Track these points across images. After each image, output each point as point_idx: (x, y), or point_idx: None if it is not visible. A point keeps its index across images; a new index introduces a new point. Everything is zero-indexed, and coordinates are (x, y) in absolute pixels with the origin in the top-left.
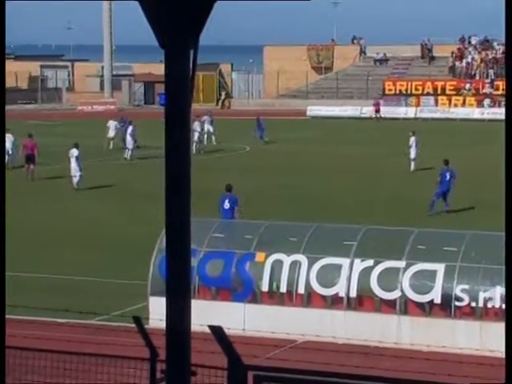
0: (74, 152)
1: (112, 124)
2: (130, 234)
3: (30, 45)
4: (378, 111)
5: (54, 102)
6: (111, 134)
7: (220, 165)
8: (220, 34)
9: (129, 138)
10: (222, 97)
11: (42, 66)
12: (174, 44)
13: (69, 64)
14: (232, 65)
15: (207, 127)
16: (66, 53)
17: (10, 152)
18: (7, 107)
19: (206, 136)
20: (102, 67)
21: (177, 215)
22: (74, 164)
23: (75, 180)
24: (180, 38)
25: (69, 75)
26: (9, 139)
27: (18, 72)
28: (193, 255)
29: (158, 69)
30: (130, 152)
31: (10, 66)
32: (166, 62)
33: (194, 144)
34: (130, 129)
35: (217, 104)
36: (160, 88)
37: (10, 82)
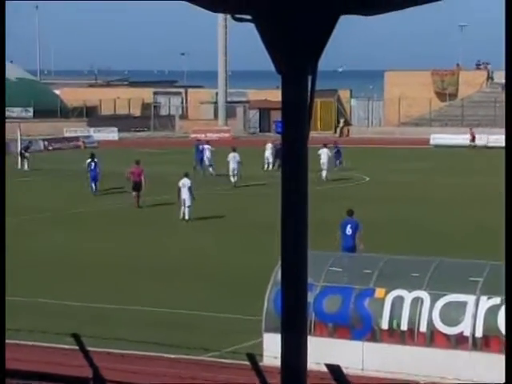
0: (186, 182)
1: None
2: (242, 266)
3: (144, 70)
4: (472, 139)
5: (167, 130)
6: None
7: (338, 194)
8: (338, 59)
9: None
10: (341, 124)
11: (155, 93)
12: (292, 69)
13: (182, 90)
14: (351, 91)
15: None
16: (180, 79)
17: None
18: (120, 134)
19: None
20: (216, 94)
21: (293, 247)
22: (185, 194)
23: (186, 210)
24: (298, 62)
25: (182, 102)
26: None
27: (132, 99)
28: (309, 290)
29: (274, 95)
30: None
31: (124, 92)
32: (283, 88)
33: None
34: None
35: (335, 132)
36: (276, 115)
37: (123, 109)
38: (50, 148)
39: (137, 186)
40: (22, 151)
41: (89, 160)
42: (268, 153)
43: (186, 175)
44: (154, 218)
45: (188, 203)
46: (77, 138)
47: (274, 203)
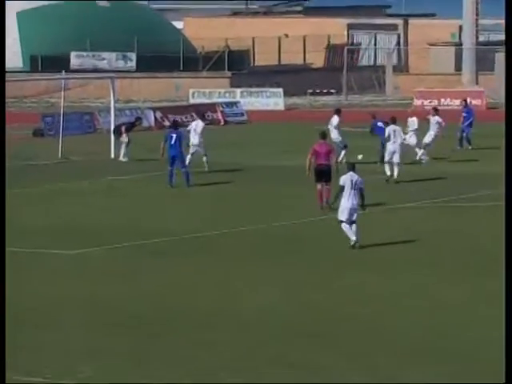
0: None
1: None
2: None
3: None
4: None
5: (371, 92)
6: None
7: None
8: None
9: None
10: None
11: (349, 27)
12: None
13: (399, 22)
14: None
15: None
16: (396, 2)
17: None
18: (288, 100)
19: None
20: (460, 28)
21: None
22: None
23: None
24: None
25: (398, 43)
26: None
27: (309, 37)
28: None
29: None
30: None
31: (296, 26)
32: None
33: None
34: None
35: None
36: None
37: (292, 56)
38: (167, 123)
39: (323, 175)
40: (122, 129)
41: None
42: None
43: None
44: None
45: None
46: (212, 107)
47: None
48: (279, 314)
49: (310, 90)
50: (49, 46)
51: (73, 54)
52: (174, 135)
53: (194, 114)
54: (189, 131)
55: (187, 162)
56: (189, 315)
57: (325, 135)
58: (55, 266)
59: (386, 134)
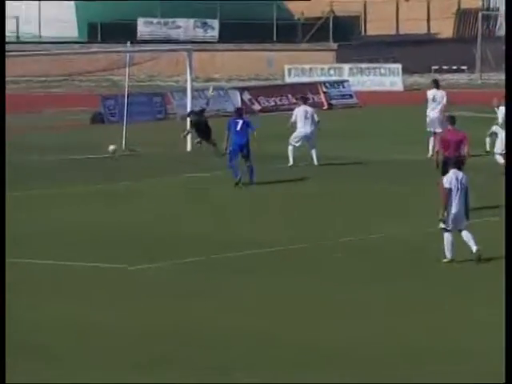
0: None
1: None
2: None
3: None
4: None
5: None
6: None
7: None
8: None
9: None
10: None
11: None
12: None
13: None
14: None
15: None
16: None
17: None
18: (408, 78)
19: None
20: None
21: None
22: None
23: None
24: None
25: None
26: None
27: None
28: None
29: None
30: None
31: None
32: None
33: None
34: None
35: None
36: None
37: (414, 25)
38: (257, 107)
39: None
40: (198, 113)
41: None
42: None
43: None
44: None
45: None
46: (313, 87)
47: None
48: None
49: (436, 67)
50: (111, 12)
51: (140, 21)
52: (240, 121)
53: (289, 96)
54: (294, 122)
55: (291, 159)
56: (286, 350)
57: (454, 120)
58: (112, 284)
59: None
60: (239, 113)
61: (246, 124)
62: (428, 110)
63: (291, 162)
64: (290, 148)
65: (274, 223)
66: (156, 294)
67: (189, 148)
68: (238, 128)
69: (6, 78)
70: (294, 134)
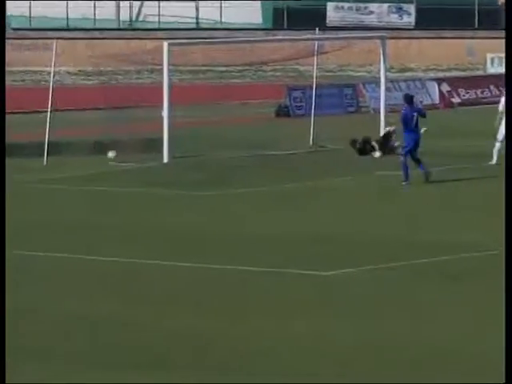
0: None
1: None
2: None
3: None
4: None
5: None
6: None
7: None
8: None
9: None
10: None
11: None
12: None
13: None
14: None
15: None
16: None
17: None
18: None
19: None
20: None
21: None
22: None
23: None
24: None
25: None
26: None
27: None
28: None
29: None
30: None
31: None
32: None
33: None
34: None
35: None
36: None
37: None
38: (457, 99)
39: None
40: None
41: None
42: None
43: None
44: None
45: None
46: None
47: None
48: None
49: None
50: None
51: (330, 6)
52: (415, 113)
53: (492, 88)
54: (501, 115)
55: (495, 156)
56: None
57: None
58: (306, 293)
59: None
60: (410, 99)
61: (423, 115)
62: None
63: (495, 159)
64: (497, 145)
65: (473, 225)
66: (353, 304)
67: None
68: (414, 122)
69: (185, 68)
70: (501, 130)
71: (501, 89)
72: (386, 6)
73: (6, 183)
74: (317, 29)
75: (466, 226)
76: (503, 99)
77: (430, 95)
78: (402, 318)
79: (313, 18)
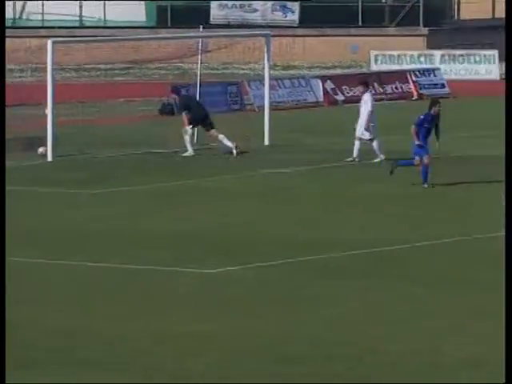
0: None
1: None
2: None
3: None
4: None
5: None
6: None
7: None
8: None
9: None
10: None
11: None
12: None
13: None
14: None
15: None
16: None
17: None
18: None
19: None
20: None
21: None
22: None
23: None
24: None
25: None
26: None
27: None
28: None
29: None
30: None
31: None
32: None
33: None
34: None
35: None
36: None
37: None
38: (341, 97)
39: None
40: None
41: None
42: None
43: None
44: None
45: None
46: (401, 76)
47: None
48: None
49: None
50: None
51: (214, 4)
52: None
53: (376, 85)
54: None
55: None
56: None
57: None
58: (189, 289)
59: None
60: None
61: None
62: None
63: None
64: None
65: (363, 222)
66: (237, 300)
67: (267, 141)
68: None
69: (68, 66)
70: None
71: (384, 86)
72: (269, 3)
73: None
74: (201, 26)
75: (347, 225)
76: (366, 97)
77: (314, 93)
78: (284, 313)
79: (197, 16)
